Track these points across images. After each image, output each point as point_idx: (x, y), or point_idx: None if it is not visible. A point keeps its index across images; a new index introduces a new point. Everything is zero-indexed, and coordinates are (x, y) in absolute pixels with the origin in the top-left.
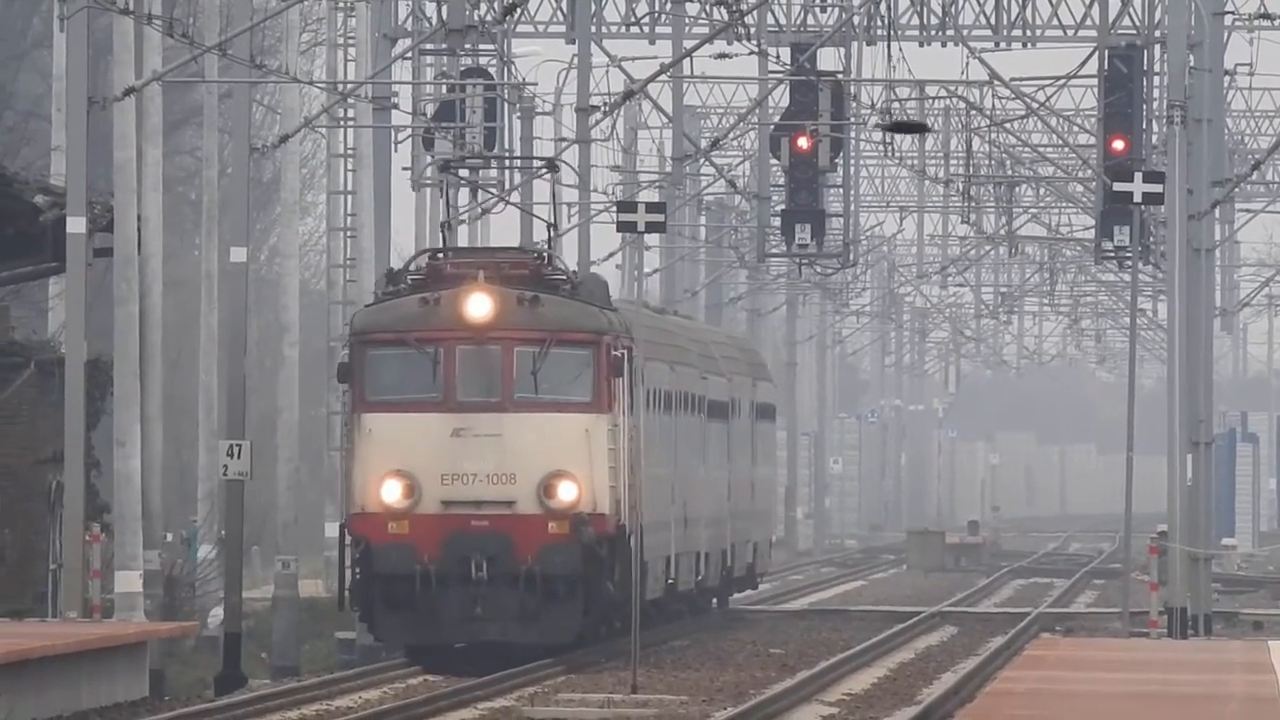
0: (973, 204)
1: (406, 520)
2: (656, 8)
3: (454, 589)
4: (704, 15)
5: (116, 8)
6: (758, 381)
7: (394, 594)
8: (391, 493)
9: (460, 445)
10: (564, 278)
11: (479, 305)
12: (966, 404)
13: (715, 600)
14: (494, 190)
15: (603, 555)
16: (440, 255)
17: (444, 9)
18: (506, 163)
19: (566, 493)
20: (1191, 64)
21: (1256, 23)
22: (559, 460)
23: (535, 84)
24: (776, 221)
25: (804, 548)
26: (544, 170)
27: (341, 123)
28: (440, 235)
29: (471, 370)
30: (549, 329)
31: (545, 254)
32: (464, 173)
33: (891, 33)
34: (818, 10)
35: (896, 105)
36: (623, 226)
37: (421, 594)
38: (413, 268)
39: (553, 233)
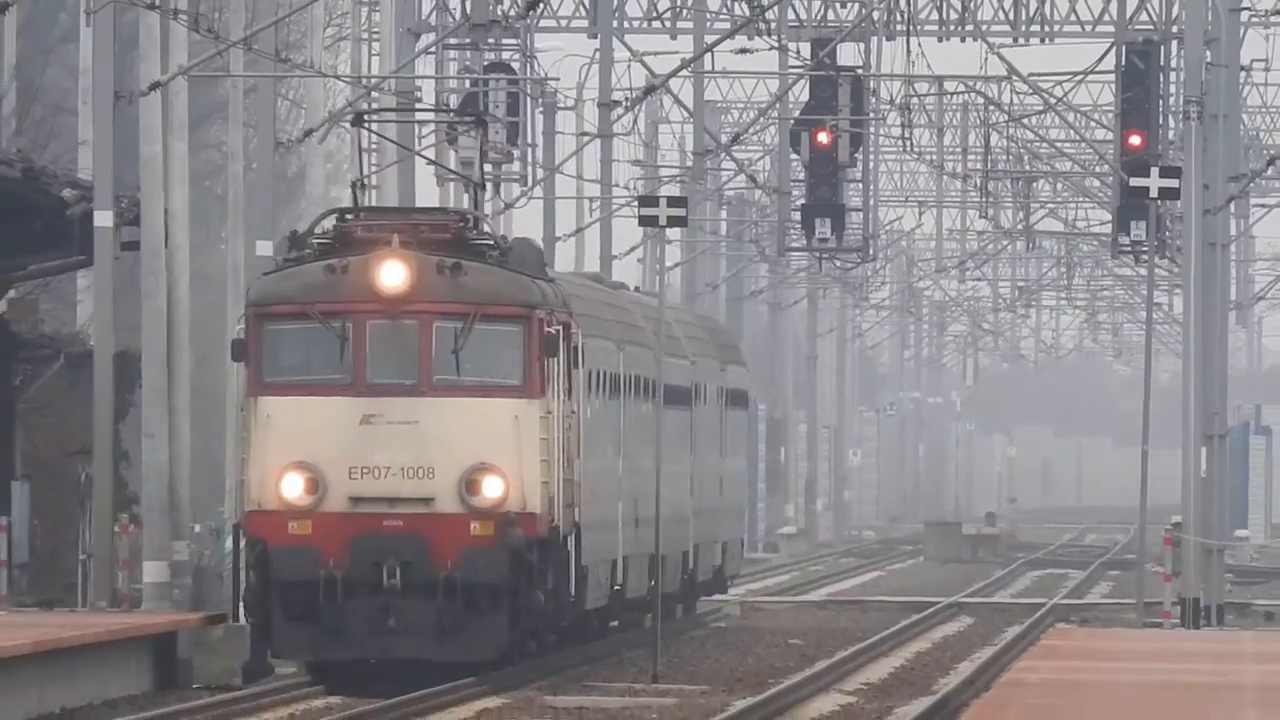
0: (990, 199)
1: (309, 519)
2: (678, 3)
3: (363, 598)
4: (725, 10)
5: (143, 3)
6: (727, 365)
7: (294, 604)
8: (292, 488)
9: (371, 434)
10: (491, 243)
11: (393, 273)
12: (984, 397)
13: (680, 607)
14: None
15: (532, 560)
16: (350, 216)
17: (468, 4)
18: (425, 115)
19: (492, 489)
20: (1208, 59)
21: (1273, 18)
22: (484, 452)
23: (558, 79)
24: (797, 216)
25: (823, 539)
26: (470, 127)
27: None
28: (352, 193)
29: (384, 348)
30: (473, 301)
31: (470, 216)
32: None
33: (911, 28)
34: (838, 6)
35: (916, 100)
36: (644, 221)
37: (326, 604)
38: (319, 230)
39: (480, 194)
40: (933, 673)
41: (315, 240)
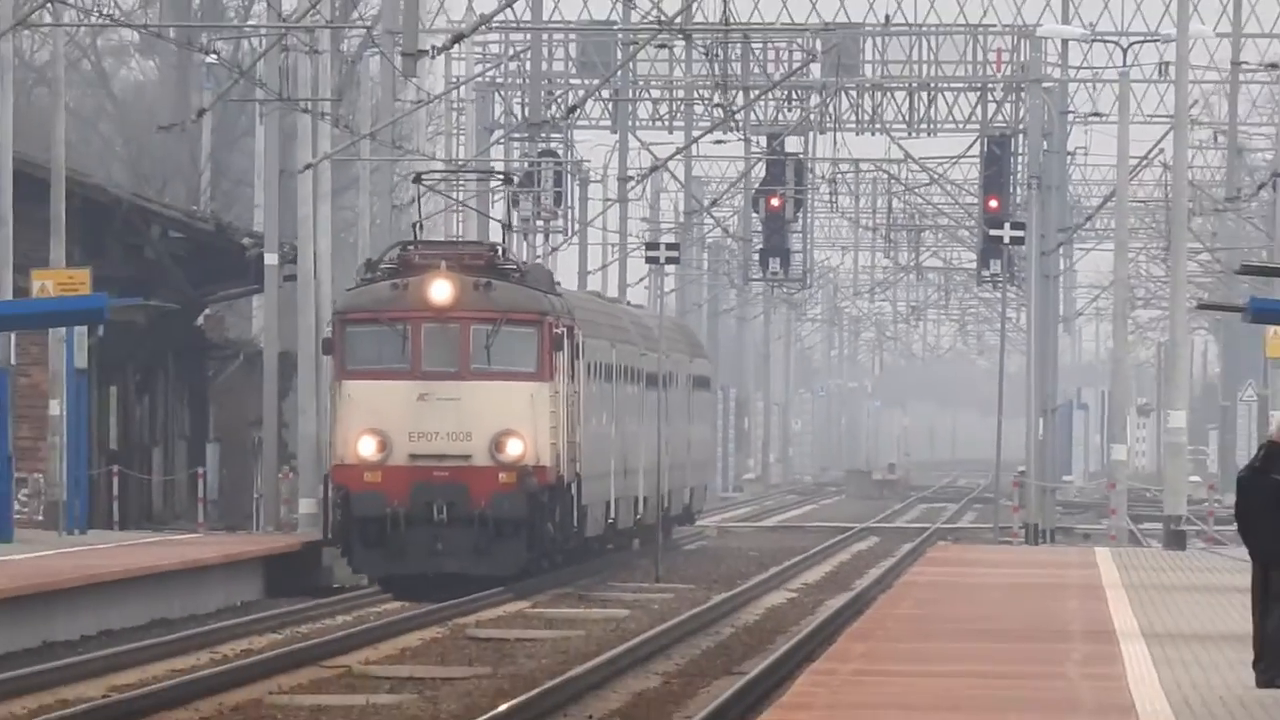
0: (891, 244)
1: (380, 471)
2: (673, 108)
3: (419, 529)
4: (706, 114)
5: (299, 108)
6: (694, 358)
7: (369, 533)
8: (367, 447)
9: (425, 408)
10: (514, 267)
11: (441, 289)
12: (887, 383)
13: (660, 533)
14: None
15: (544, 501)
16: (410, 247)
17: (526, 109)
18: (469, 176)
19: (514, 448)
20: (1045, 148)
21: (1090, 119)
22: (508, 421)
23: (589, 161)
24: (756, 257)
25: (774, 482)
26: (503, 182)
27: (456, 186)
28: (413, 231)
29: (435, 344)
30: (500, 310)
31: (499, 247)
32: (527, 216)
33: (836, 126)
34: (785, 111)
35: (840, 175)
36: (650, 260)
37: (392, 533)
38: (387, 258)
39: (507, 231)
40: (851, 576)
41: (384, 265)
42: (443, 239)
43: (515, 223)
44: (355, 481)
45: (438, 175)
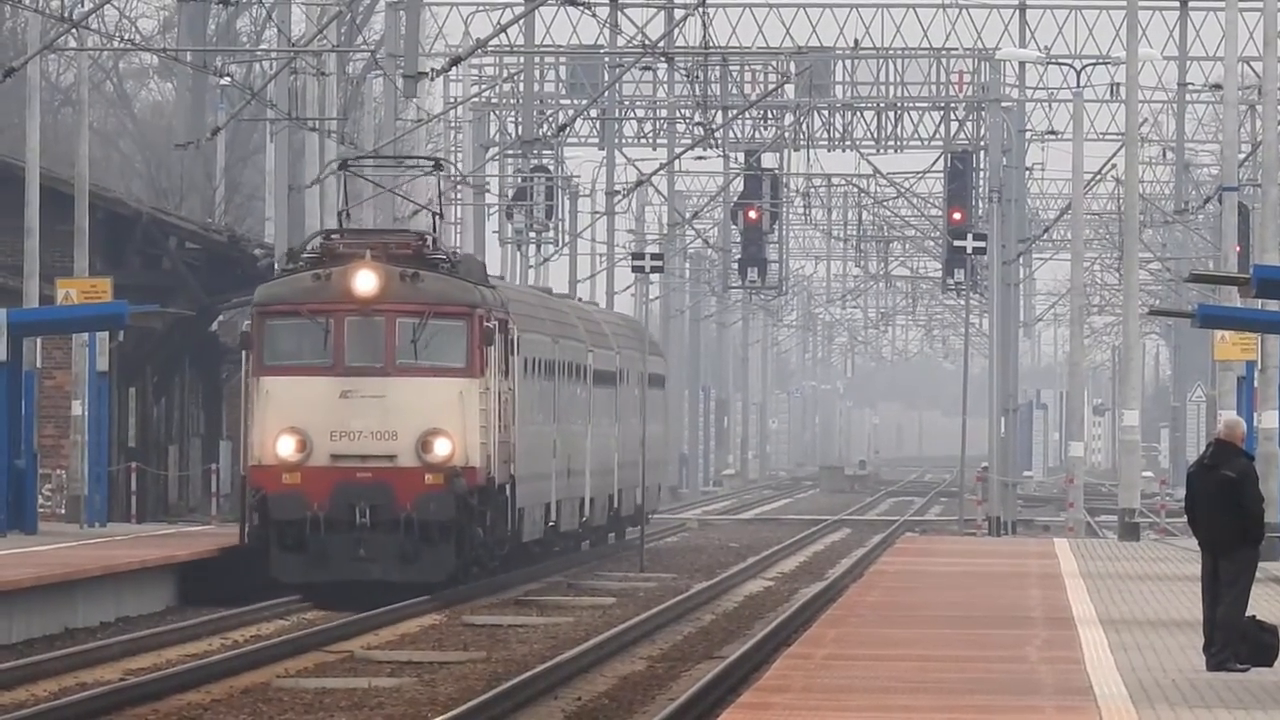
0: (862, 254)
1: (299, 472)
2: (657, 126)
3: (341, 533)
4: (688, 132)
5: (307, 127)
6: (648, 356)
7: (287, 537)
8: (286, 447)
9: (348, 405)
10: (444, 257)
11: (365, 280)
12: (858, 384)
13: (610, 535)
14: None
15: (474, 504)
16: (334, 235)
17: (519, 128)
18: (403, 163)
19: (442, 448)
20: (1005, 164)
21: (1046, 137)
22: (435, 419)
23: (579, 176)
24: (735, 266)
25: (753, 477)
26: (430, 169)
27: (453, 202)
28: (338, 220)
29: (358, 338)
30: (427, 302)
31: (427, 236)
32: (520, 229)
33: (809, 143)
34: (762, 129)
35: (813, 190)
36: (636, 269)
37: (312, 537)
38: (309, 247)
39: (438, 220)
40: (824, 565)
41: (305, 255)
42: (369, 228)
43: (510, 234)
44: (273, 483)
45: (363, 162)
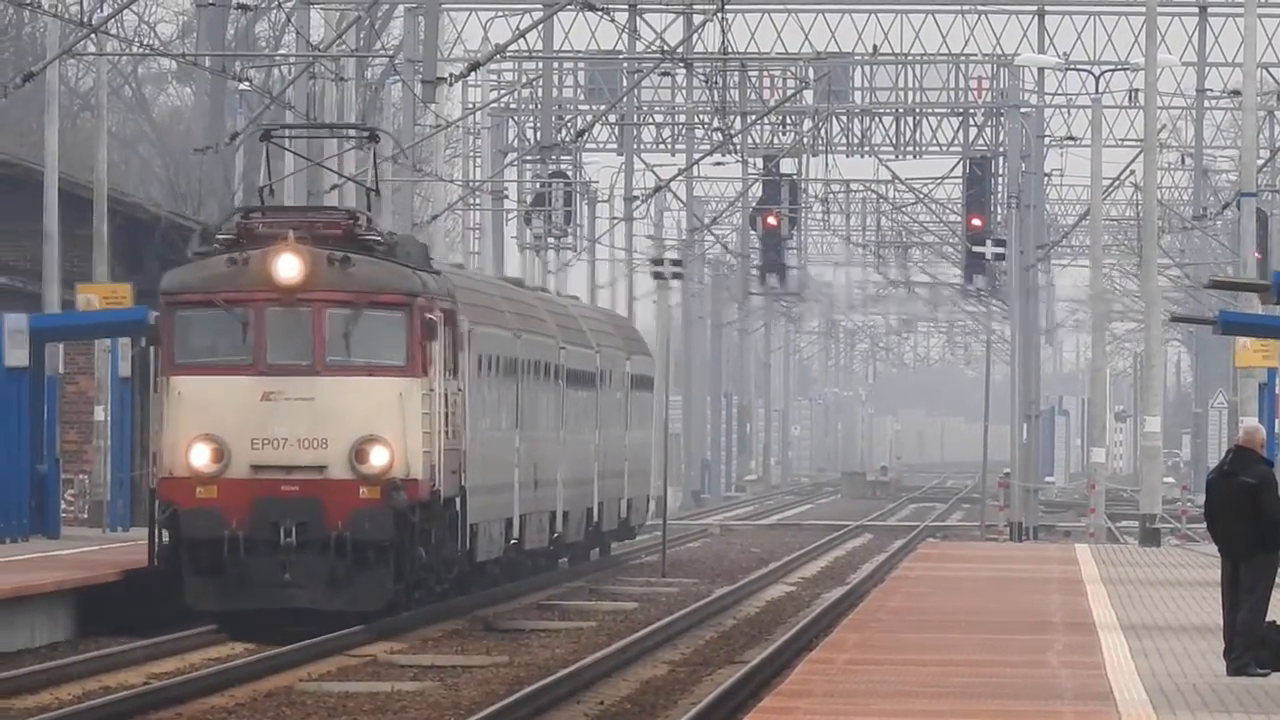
0: (882, 260)
1: (215, 485)
2: (676, 132)
3: (262, 555)
4: (707, 138)
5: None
6: (633, 355)
7: (202, 559)
8: (200, 457)
9: (270, 409)
10: (378, 238)
11: (288, 265)
12: (880, 391)
13: (597, 550)
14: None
15: (415, 521)
16: (253, 214)
17: (538, 133)
18: (330, 132)
19: (379, 458)
20: (1023, 169)
21: (1065, 143)
22: (371, 425)
23: (597, 182)
24: (755, 272)
25: (775, 483)
26: (367, 140)
27: (471, 207)
28: (259, 197)
29: (282, 332)
30: (360, 290)
31: (359, 214)
32: (539, 234)
33: (828, 149)
34: (780, 134)
35: (832, 195)
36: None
37: (230, 560)
38: (224, 228)
39: (372, 197)
40: (846, 570)
41: (220, 236)
42: (292, 205)
43: (529, 239)
44: (186, 497)
45: (289, 131)
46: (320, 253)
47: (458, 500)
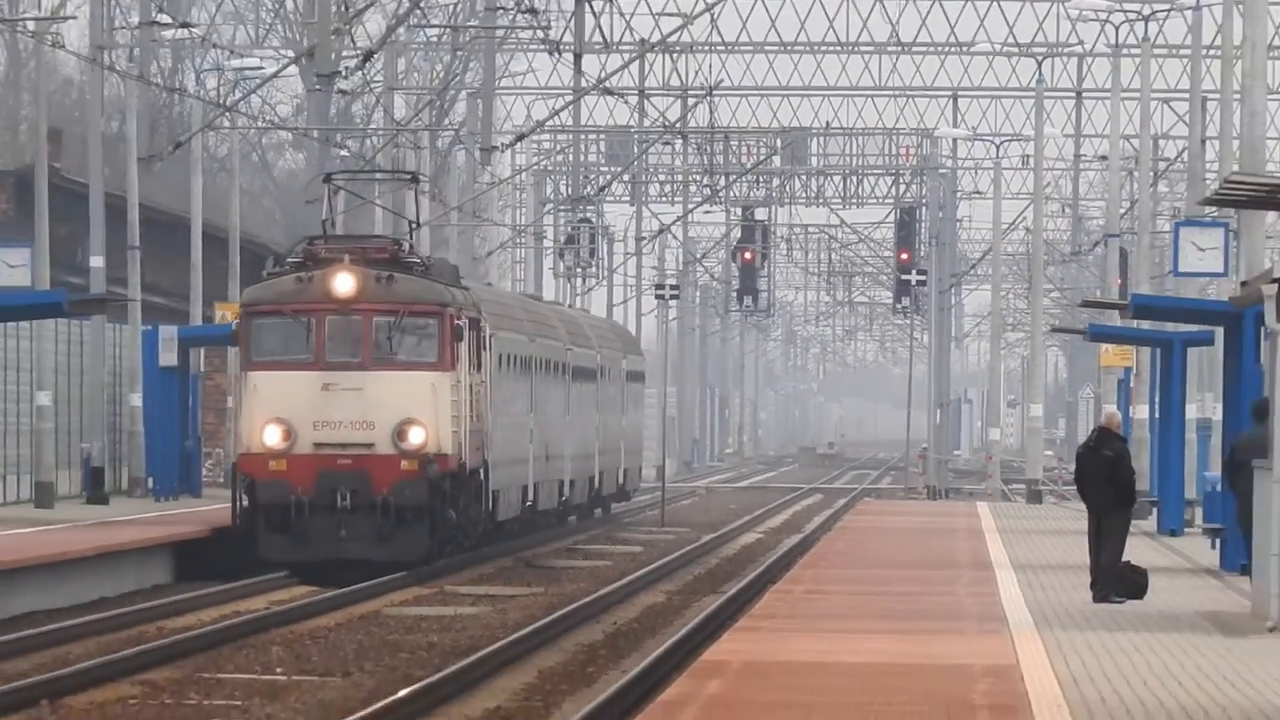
0: (831, 285)
1: (284, 459)
2: (674, 188)
3: (323, 516)
4: (698, 192)
5: (408, 185)
6: (628, 354)
7: (273, 520)
8: (272, 436)
9: (329, 397)
10: (417, 261)
11: (344, 282)
12: (828, 384)
13: (599, 510)
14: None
15: (446, 489)
16: (316, 241)
17: (569, 189)
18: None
19: (416, 437)
20: (941, 216)
21: (973, 196)
22: (410, 410)
23: (614, 226)
24: (734, 294)
25: (748, 455)
26: (409, 183)
27: (519, 244)
28: (322, 229)
29: (338, 335)
30: (401, 301)
31: (402, 241)
32: (570, 266)
33: (791, 201)
34: (755, 189)
35: (794, 236)
36: (658, 297)
37: (296, 520)
38: (294, 253)
39: (413, 228)
40: (802, 522)
41: (290, 260)
42: (347, 234)
43: (562, 271)
44: (260, 470)
45: (347, 174)
46: (370, 272)
47: (482, 471)
